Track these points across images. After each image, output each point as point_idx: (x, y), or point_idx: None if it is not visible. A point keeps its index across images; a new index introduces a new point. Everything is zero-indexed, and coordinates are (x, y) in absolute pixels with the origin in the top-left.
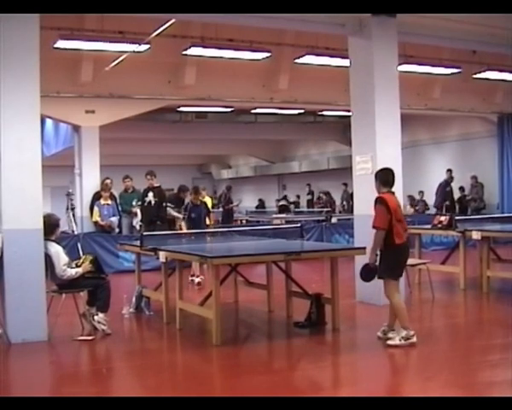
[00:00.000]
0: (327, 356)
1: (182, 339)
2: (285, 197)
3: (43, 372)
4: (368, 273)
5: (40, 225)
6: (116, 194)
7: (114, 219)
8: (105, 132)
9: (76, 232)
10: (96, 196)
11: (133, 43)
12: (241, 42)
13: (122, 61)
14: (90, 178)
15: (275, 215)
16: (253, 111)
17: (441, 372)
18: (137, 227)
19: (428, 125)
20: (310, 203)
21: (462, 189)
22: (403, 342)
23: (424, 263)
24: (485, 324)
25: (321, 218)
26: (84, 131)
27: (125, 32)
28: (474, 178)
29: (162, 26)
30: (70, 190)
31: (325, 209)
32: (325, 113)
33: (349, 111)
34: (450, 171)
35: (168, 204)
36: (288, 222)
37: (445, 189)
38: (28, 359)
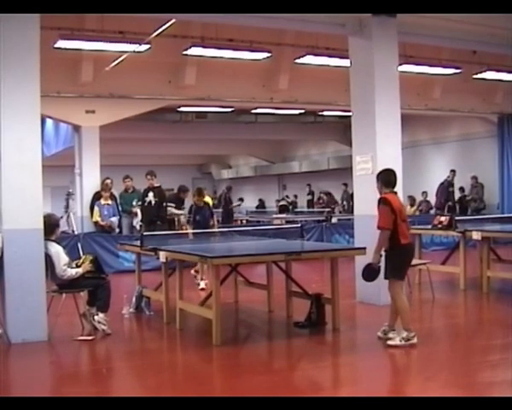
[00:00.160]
0: (327, 356)
1: (182, 339)
2: (286, 197)
3: (43, 372)
4: (370, 273)
5: (40, 225)
6: (116, 194)
7: (114, 220)
8: (105, 132)
9: (76, 232)
10: (97, 196)
11: (133, 43)
12: (242, 42)
13: (122, 61)
14: (90, 178)
15: (275, 215)
16: (253, 111)
17: (441, 373)
18: (137, 227)
19: (428, 126)
20: (310, 203)
21: (462, 189)
22: (403, 342)
23: (424, 263)
24: (486, 324)
25: (321, 218)
26: (84, 131)
27: (126, 32)
28: (475, 178)
29: (162, 26)
30: (70, 190)
31: (327, 209)
32: (325, 113)
33: (349, 111)
34: (453, 171)
35: (169, 204)
36: (288, 222)
37: (447, 189)
38: (28, 359)
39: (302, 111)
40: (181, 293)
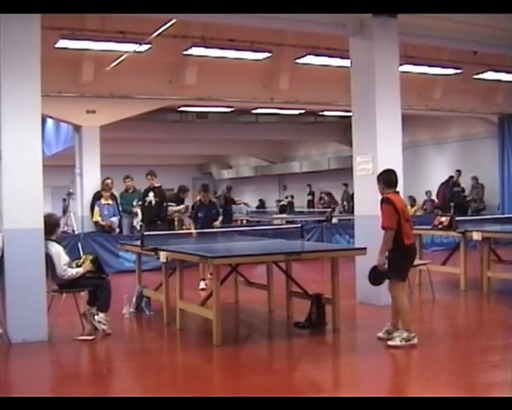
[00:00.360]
0: (327, 357)
1: (182, 339)
2: (285, 198)
3: (43, 372)
4: (376, 277)
5: (41, 224)
6: (117, 194)
7: (115, 220)
8: (106, 132)
9: (76, 232)
10: (97, 196)
11: (134, 43)
12: (242, 42)
13: (123, 61)
14: (90, 178)
15: (275, 215)
16: (253, 111)
17: (441, 373)
18: (138, 227)
19: (429, 126)
20: (310, 204)
21: (462, 190)
22: (403, 343)
23: (425, 264)
24: (486, 324)
25: (321, 218)
26: (84, 131)
27: (126, 32)
28: (475, 178)
29: (163, 26)
30: (71, 190)
31: (328, 210)
32: (326, 113)
33: (350, 111)
34: (459, 171)
35: (169, 204)
36: (288, 222)
37: (452, 189)
38: (28, 358)
39: (303, 111)
40: (181, 293)
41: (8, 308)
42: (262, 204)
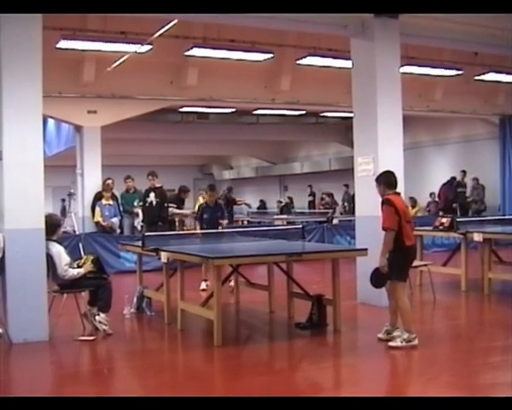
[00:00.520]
0: (328, 357)
1: (183, 340)
2: (285, 199)
3: (44, 372)
4: (378, 279)
5: (42, 224)
6: (117, 194)
7: (115, 220)
8: (107, 133)
9: (77, 232)
10: (98, 197)
11: (135, 43)
12: (243, 43)
13: (124, 61)
14: (91, 179)
15: (276, 216)
16: (254, 112)
17: (442, 374)
18: (139, 228)
19: (430, 127)
20: (311, 204)
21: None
22: (404, 344)
23: (425, 265)
24: (487, 326)
25: (322, 219)
26: (85, 132)
27: (128, 33)
28: (476, 179)
29: (164, 26)
30: (72, 191)
31: (330, 210)
32: (327, 114)
33: (351, 112)
34: (464, 172)
35: (170, 204)
36: (289, 223)
37: (456, 189)
38: (29, 359)
39: (304, 112)
40: (182, 293)
41: (9, 308)
42: (263, 205)
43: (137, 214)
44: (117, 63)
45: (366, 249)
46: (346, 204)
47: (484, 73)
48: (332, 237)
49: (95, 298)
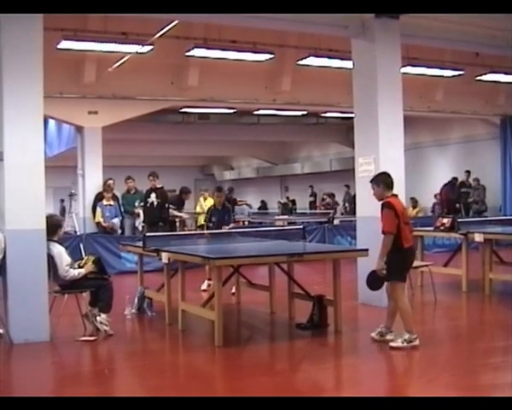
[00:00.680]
0: (329, 358)
1: (184, 340)
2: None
3: (45, 373)
4: (375, 281)
5: (43, 225)
6: (118, 195)
7: (116, 221)
8: (108, 133)
9: (78, 233)
10: (99, 197)
11: (136, 44)
12: (244, 43)
13: (125, 62)
14: (92, 179)
15: (277, 217)
16: (255, 112)
17: (443, 374)
18: (140, 228)
19: (431, 128)
20: (312, 205)
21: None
22: (405, 344)
23: (426, 265)
24: (487, 326)
25: (323, 219)
26: (86, 132)
27: (128, 33)
28: (476, 180)
29: (165, 27)
30: (73, 191)
31: (332, 211)
32: (328, 114)
33: (352, 113)
34: (468, 172)
35: (170, 206)
36: (290, 224)
37: (460, 190)
38: (30, 359)
39: (304, 112)
40: (183, 294)
41: (10, 309)
42: (264, 205)
43: (138, 215)
44: (118, 64)
45: (367, 250)
46: (346, 205)
47: (485, 74)
48: (333, 238)
49: (96, 299)
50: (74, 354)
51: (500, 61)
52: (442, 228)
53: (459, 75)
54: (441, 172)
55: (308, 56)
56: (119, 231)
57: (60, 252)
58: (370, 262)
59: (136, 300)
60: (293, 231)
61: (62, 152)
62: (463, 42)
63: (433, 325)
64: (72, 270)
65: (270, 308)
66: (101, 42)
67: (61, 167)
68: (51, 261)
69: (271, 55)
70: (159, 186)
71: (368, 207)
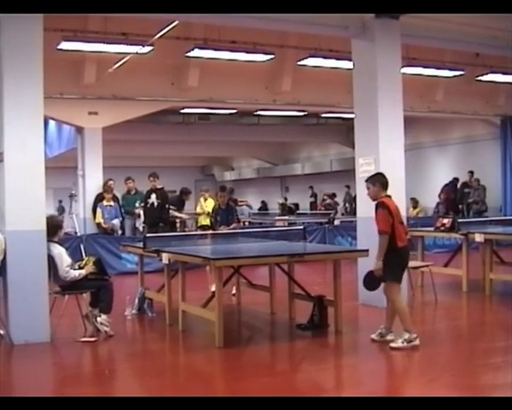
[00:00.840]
0: (329, 358)
1: (184, 341)
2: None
3: (45, 373)
4: (372, 281)
5: (43, 226)
6: (119, 195)
7: (116, 222)
8: (108, 134)
9: (79, 234)
10: (99, 198)
11: (136, 44)
12: (245, 44)
13: (125, 62)
14: (92, 180)
15: (277, 217)
16: (255, 113)
17: (443, 375)
18: (141, 229)
19: (431, 128)
20: (313, 206)
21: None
22: (405, 344)
23: (427, 265)
24: (488, 326)
25: (324, 220)
26: (87, 133)
27: (129, 34)
28: (477, 180)
29: (165, 27)
30: (73, 192)
31: (333, 211)
32: (328, 115)
33: (352, 113)
34: (471, 173)
35: (171, 206)
36: (290, 224)
37: (463, 190)
38: (31, 360)
39: (305, 113)
40: (183, 295)
41: (10, 310)
42: (264, 206)
43: (139, 215)
44: (118, 64)
45: (367, 250)
46: (347, 205)
47: (485, 74)
48: (333, 238)
49: (96, 299)
50: (75, 355)
51: (500, 61)
52: (442, 228)
53: (459, 75)
54: (441, 172)
55: (308, 57)
56: (120, 232)
57: (60, 253)
58: (371, 263)
59: (136, 300)
60: (294, 232)
61: (62, 153)
62: (463, 42)
63: (433, 325)
64: (72, 271)
65: (271, 309)
66: (101, 42)
67: (62, 168)
68: (51, 262)
69: (271, 56)
70: (159, 187)
71: (368, 207)
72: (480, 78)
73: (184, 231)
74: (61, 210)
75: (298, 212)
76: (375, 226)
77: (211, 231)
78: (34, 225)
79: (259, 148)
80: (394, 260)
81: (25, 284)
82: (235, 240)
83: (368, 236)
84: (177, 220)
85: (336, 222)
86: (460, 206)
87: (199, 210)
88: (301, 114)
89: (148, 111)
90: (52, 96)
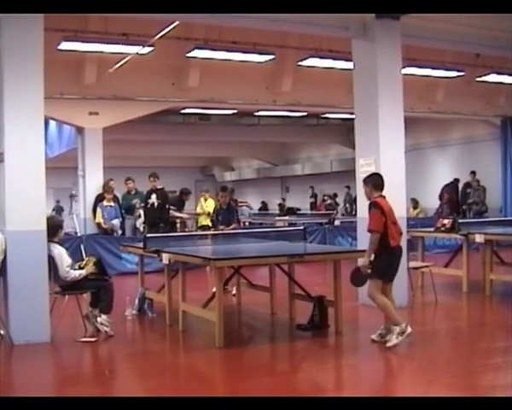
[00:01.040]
0: (329, 359)
1: (185, 341)
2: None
3: (45, 374)
4: (358, 277)
5: (43, 226)
6: (119, 196)
7: (116, 222)
8: (108, 134)
9: (79, 234)
10: (99, 198)
11: (137, 45)
12: (245, 44)
13: (126, 62)
14: (93, 180)
15: (278, 217)
16: (256, 113)
17: (443, 375)
18: (141, 229)
19: (432, 129)
20: (313, 206)
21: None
22: (400, 338)
23: (427, 266)
24: (488, 327)
25: (324, 220)
26: (87, 133)
27: (129, 34)
28: (477, 181)
29: (166, 28)
30: (73, 192)
31: (334, 212)
32: (328, 115)
33: (352, 114)
34: (474, 173)
35: (171, 207)
36: (291, 224)
37: (465, 190)
38: (31, 360)
39: (305, 113)
40: (184, 295)
41: (10, 310)
42: (264, 206)
43: (139, 215)
44: (118, 65)
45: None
46: (347, 206)
47: (485, 75)
48: (333, 239)
49: (96, 300)
50: (75, 355)
51: (501, 61)
52: (443, 229)
53: (460, 76)
54: (442, 173)
55: (308, 57)
56: (120, 232)
57: (60, 253)
58: (361, 263)
59: (136, 301)
60: (294, 232)
61: (63, 153)
62: (464, 43)
63: (433, 325)
64: (72, 271)
65: (271, 309)
66: (101, 43)
67: (62, 168)
68: (52, 262)
69: (272, 56)
70: (159, 187)
71: None
72: (480, 78)
73: (184, 232)
74: (59, 210)
75: (298, 212)
76: (366, 225)
77: (211, 232)
78: (34, 226)
79: (260, 148)
80: (385, 258)
81: (25, 284)
82: (235, 240)
83: (368, 236)
84: (178, 221)
85: (336, 222)
86: (464, 206)
87: (199, 210)
88: (301, 114)
89: (148, 111)
90: (52, 97)
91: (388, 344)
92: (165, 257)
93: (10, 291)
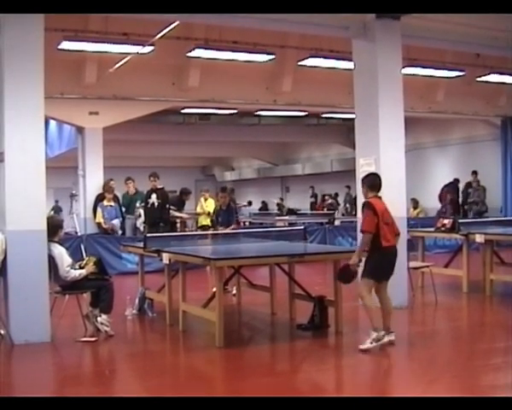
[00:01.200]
0: (329, 359)
1: (185, 341)
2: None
3: (45, 373)
4: (346, 275)
5: (44, 226)
6: (119, 195)
7: (116, 222)
8: (108, 134)
9: (79, 234)
10: (100, 198)
11: (137, 44)
12: (245, 44)
13: (126, 62)
14: (93, 180)
15: (278, 217)
16: (256, 113)
17: (444, 375)
18: (141, 228)
19: (432, 128)
20: (313, 206)
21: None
22: (374, 344)
23: (427, 266)
24: (488, 327)
25: (324, 220)
26: (87, 133)
27: (129, 34)
28: (477, 181)
29: (166, 28)
30: (73, 192)
31: (335, 211)
32: (329, 115)
33: (353, 113)
34: (475, 173)
35: (171, 206)
36: (291, 224)
37: (467, 190)
38: (31, 360)
39: (305, 113)
40: (184, 295)
41: (10, 310)
42: (265, 206)
43: (140, 215)
44: (119, 64)
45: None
46: (347, 205)
47: (486, 75)
48: (334, 239)
49: (96, 299)
50: (75, 355)
51: (501, 61)
52: (443, 229)
53: (460, 76)
54: (442, 173)
55: (309, 57)
56: (120, 232)
57: (60, 253)
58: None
59: (136, 300)
60: (294, 232)
61: (63, 153)
62: (464, 43)
63: (433, 325)
64: (72, 271)
65: (271, 309)
66: (102, 42)
67: (62, 168)
68: (52, 262)
69: (272, 56)
70: (159, 187)
71: None
72: (480, 78)
73: (185, 231)
74: (57, 210)
75: (298, 212)
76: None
77: (211, 231)
78: (34, 225)
79: (260, 148)
80: (376, 258)
81: (25, 283)
82: (235, 240)
83: None
84: (178, 220)
85: (336, 222)
86: (466, 206)
87: (199, 210)
88: (302, 114)
89: (148, 111)
90: (53, 96)
91: (361, 346)
92: (166, 257)
93: (10, 291)
